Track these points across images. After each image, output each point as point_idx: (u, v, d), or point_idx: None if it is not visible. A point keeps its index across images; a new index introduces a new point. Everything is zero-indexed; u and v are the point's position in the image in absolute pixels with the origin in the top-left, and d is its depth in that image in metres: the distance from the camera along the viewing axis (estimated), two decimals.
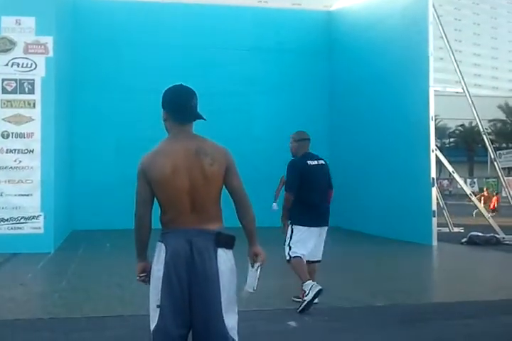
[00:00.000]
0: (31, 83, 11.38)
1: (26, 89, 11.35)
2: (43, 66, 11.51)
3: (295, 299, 6.62)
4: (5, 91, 11.25)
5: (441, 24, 13.71)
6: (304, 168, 6.91)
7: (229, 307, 3.35)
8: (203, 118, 3.57)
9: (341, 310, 6.55)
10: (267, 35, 17.39)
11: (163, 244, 3.30)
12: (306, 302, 6.23)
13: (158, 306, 3.24)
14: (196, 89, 13.95)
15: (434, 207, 12.70)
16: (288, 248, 6.61)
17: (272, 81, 17.33)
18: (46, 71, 11.50)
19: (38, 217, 11.10)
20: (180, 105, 3.52)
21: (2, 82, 11.27)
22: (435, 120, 13.21)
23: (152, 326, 3.24)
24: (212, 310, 3.26)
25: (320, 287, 6.28)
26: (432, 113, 12.79)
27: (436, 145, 13.88)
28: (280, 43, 17.42)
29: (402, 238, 12.85)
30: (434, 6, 13.15)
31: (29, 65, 11.43)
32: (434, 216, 12.63)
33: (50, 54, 11.60)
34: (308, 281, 6.35)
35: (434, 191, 12.78)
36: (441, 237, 13.09)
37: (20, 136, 11.19)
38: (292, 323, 5.89)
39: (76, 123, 15.60)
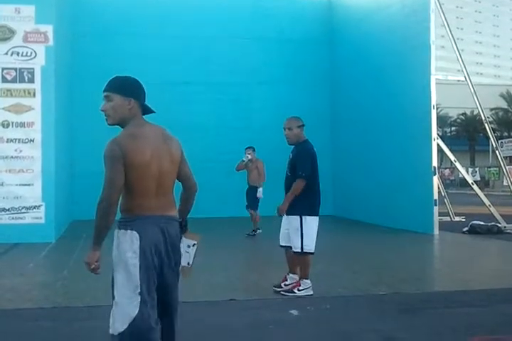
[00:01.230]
0: (31, 72, 11.34)
1: (26, 78, 11.31)
2: (42, 55, 11.46)
3: (276, 289, 6.71)
4: (5, 80, 11.22)
5: (443, 12, 13.63)
6: (315, 154, 7.00)
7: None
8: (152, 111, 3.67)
9: (343, 298, 6.55)
10: (268, 24, 17.33)
11: (134, 231, 3.26)
12: (292, 295, 6.51)
13: (139, 293, 3.24)
14: (197, 80, 14.16)
15: (436, 196, 12.69)
16: (300, 240, 6.53)
17: (273, 71, 17.29)
18: (46, 60, 11.46)
19: (39, 206, 11.10)
20: (145, 95, 3.66)
21: (2, 71, 11.23)
22: (436, 109, 13.16)
23: (132, 313, 3.24)
24: (174, 292, 3.53)
25: (312, 292, 6.53)
26: (433, 101, 12.74)
27: (438, 134, 13.83)
28: (281, 33, 17.37)
29: (403, 227, 12.86)
30: None
31: (29, 54, 11.38)
32: (436, 205, 12.62)
33: (50, 43, 11.55)
34: (308, 280, 6.53)
35: (436, 180, 12.76)
36: (443, 226, 13.10)
37: (21, 125, 11.17)
38: (294, 312, 5.90)
39: (75, 114, 15.57)
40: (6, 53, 11.30)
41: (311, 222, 6.53)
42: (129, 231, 3.28)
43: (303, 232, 6.49)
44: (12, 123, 11.12)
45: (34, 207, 11.07)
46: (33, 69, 11.35)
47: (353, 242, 11.60)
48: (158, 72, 16.36)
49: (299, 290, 6.54)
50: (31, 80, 11.33)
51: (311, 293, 6.56)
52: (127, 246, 3.30)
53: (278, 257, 7.23)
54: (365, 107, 15.34)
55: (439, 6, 13.30)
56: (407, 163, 13.34)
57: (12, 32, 11.45)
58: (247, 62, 17.10)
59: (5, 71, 11.26)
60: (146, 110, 3.57)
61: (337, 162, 17.03)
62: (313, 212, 6.58)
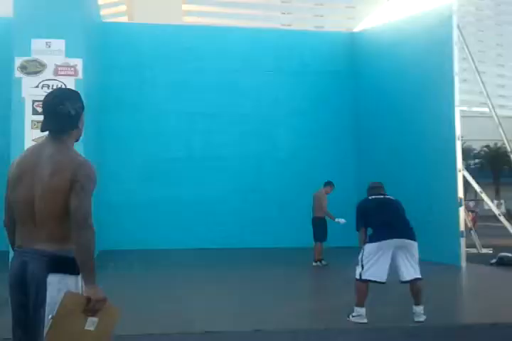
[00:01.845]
0: None
1: None
2: (72, 88, 11.64)
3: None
4: (35, 112, 11.41)
5: (466, 45, 13.72)
6: (362, 207, 7.57)
7: None
8: (62, 131, 3.10)
9: (372, 330, 6.50)
10: (291, 57, 17.52)
11: (10, 264, 3.07)
12: (348, 319, 6.80)
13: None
14: (220, 112, 14.17)
15: (462, 228, 12.58)
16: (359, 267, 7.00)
17: (297, 103, 17.41)
18: None
19: None
20: (43, 112, 3.12)
21: (32, 104, 11.43)
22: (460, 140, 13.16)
23: None
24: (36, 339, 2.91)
25: (365, 321, 6.75)
26: (458, 133, 12.74)
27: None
28: (304, 65, 17.53)
29: (430, 258, 12.63)
30: (459, 27, 13.17)
31: (59, 87, 11.61)
32: (463, 236, 12.52)
33: (80, 76, 11.79)
34: (359, 308, 6.81)
35: (462, 211, 12.67)
36: (470, 258, 12.95)
37: None
38: None
39: (103, 145, 15.79)
40: (37, 86, 11.53)
41: (368, 249, 6.79)
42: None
43: (362, 259, 6.80)
44: None
45: None
46: None
47: None
48: (183, 103, 16.60)
49: (352, 316, 6.77)
50: None
51: (365, 321, 6.69)
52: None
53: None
54: (390, 139, 15.35)
55: (462, 39, 13.40)
56: (433, 194, 13.28)
57: (43, 65, 11.70)
58: (271, 95, 17.28)
59: (35, 103, 11.46)
60: (45, 125, 3.09)
61: (362, 193, 16.92)
62: (370, 239, 6.91)
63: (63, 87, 11.61)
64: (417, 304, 6.86)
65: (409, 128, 14.37)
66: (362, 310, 6.74)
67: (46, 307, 2.85)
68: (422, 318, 6.77)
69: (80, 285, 2.98)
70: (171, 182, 16.25)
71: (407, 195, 14.48)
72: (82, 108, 3.20)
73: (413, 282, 6.85)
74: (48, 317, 2.82)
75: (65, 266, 2.94)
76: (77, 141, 3.22)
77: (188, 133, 16.76)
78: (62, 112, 3.05)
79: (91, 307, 2.88)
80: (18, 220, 3.04)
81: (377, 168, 15.95)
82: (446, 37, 13.08)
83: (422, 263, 12.20)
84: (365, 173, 16.46)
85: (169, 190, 16.17)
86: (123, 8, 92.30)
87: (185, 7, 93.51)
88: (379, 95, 16.09)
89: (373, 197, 7.39)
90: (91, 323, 2.88)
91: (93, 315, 2.89)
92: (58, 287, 2.88)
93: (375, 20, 17.36)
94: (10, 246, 3.18)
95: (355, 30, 18.96)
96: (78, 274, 2.96)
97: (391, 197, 7.42)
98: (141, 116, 16.40)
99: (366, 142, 16.95)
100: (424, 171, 13.67)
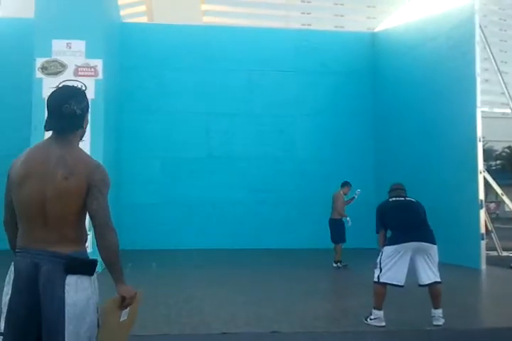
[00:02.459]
0: None
1: None
2: (92, 88, 11.75)
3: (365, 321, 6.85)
4: None
5: (488, 45, 13.59)
6: (381, 209, 7.51)
7: None
8: (68, 130, 3.04)
9: (389, 333, 6.45)
10: (311, 57, 17.48)
11: (12, 265, 2.96)
12: (366, 322, 6.76)
13: (0, 334, 2.90)
14: (239, 112, 14.24)
15: (483, 230, 12.46)
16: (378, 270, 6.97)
17: (316, 103, 17.37)
18: (96, 93, 11.75)
19: (86, 235, 11.24)
20: (48, 111, 3.04)
21: None
22: (482, 141, 13.03)
23: None
24: None
25: (383, 324, 6.70)
26: (479, 134, 12.61)
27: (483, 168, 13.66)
28: (324, 66, 17.49)
29: (449, 261, 12.55)
30: (481, 27, 13.04)
31: (79, 87, 11.68)
32: (483, 239, 12.39)
33: (100, 76, 11.86)
34: (377, 310, 6.77)
35: (483, 213, 12.54)
36: (490, 261, 12.81)
37: None
38: None
39: (122, 145, 15.88)
40: (58, 87, 11.60)
41: (386, 251, 6.76)
42: (12, 263, 2.98)
43: (380, 262, 6.77)
44: None
45: None
46: None
47: None
48: (202, 103, 16.65)
49: (370, 319, 6.73)
50: None
51: (383, 324, 6.65)
52: (6, 281, 2.96)
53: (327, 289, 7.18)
54: (410, 139, 15.26)
55: (484, 39, 13.26)
56: (453, 195, 13.16)
57: (63, 66, 11.79)
58: (290, 94, 17.26)
59: (89, 103, 11.53)
60: (52, 125, 3.03)
61: (381, 194, 16.84)
62: (389, 242, 6.87)
63: (83, 87, 11.72)
64: (436, 307, 6.80)
65: (430, 129, 14.26)
66: (380, 313, 6.70)
67: (66, 308, 2.85)
68: (441, 322, 6.71)
69: (95, 285, 3.01)
70: (189, 182, 16.29)
71: (426, 196, 14.36)
72: (88, 107, 3.15)
73: (432, 285, 6.79)
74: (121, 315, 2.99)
75: (81, 267, 2.96)
76: (80, 139, 3.16)
77: (207, 133, 16.80)
78: (67, 111, 2.99)
79: (126, 304, 2.99)
80: (24, 221, 2.98)
81: (397, 169, 15.86)
82: (467, 37, 12.96)
83: (442, 265, 12.12)
84: (384, 174, 16.38)
85: (187, 190, 16.21)
86: (142, 8, 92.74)
87: (204, 7, 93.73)
88: (399, 95, 16.00)
89: (393, 199, 7.32)
90: (124, 314, 3.04)
91: (126, 308, 3.03)
92: (75, 288, 2.89)
93: (396, 20, 17.25)
94: (9, 243, 3.12)
95: (376, 30, 18.86)
96: (92, 275, 3.00)
97: (412, 200, 7.34)
98: (160, 116, 16.46)
99: (385, 143, 16.86)
100: (445, 173, 13.55)
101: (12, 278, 2.93)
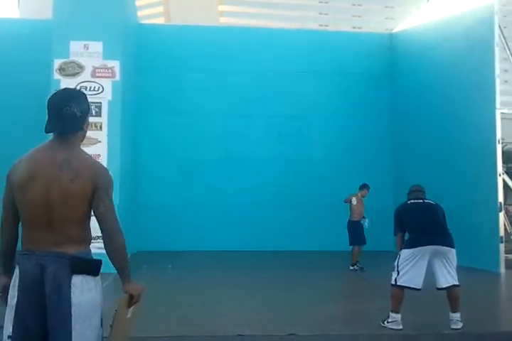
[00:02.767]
0: (98, 106, 11.68)
1: (93, 112, 11.63)
2: (109, 89, 11.81)
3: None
4: None
5: (507, 46, 13.45)
6: (399, 211, 7.41)
7: None
8: (69, 132, 3.06)
9: (406, 336, 6.39)
10: (328, 58, 17.39)
11: (17, 267, 2.97)
12: (383, 325, 6.66)
13: (9, 337, 2.91)
14: (256, 113, 14.10)
15: (502, 233, 12.32)
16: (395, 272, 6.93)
17: (333, 104, 17.28)
18: (113, 94, 11.81)
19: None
20: (48, 113, 3.07)
21: None
22: (501, 143, 12.90)
23: None
24: None
25: (401, 327, 6.61)
26: (498, 136, 12.47)
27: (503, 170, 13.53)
28: (341, 67, 17.39)
29: (468, 264, 12.41)
30: (500, 27, 12.91)
31: (96, 89, 11.74)
32: (502, 242, 12.24)
33: (117, 78, 11.91)
34: (395, 314, 6.68)
35: (502, 216, 12.41)
36: (509, 264, 12.66)
37: None
38: None
39: (139, 146, 15.92)
40: (75, 88, 11.66)
41: (403, 254, 6.69)
42: (16, 266, 3.00)
43: (398, 265, 6.71)
44: None
45: (98, 237, 11.23)
46: (100, 103, 11.70)
47: None
48: (218, 104, 16.64)
49: (387, 322, 6.66)
50: (98, 114, 11.66)
51: (400, 327, 6.57)
52: (11, 284, 2.99)
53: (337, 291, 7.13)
54: (428, 141, 15.14)
55: (503, 40, 13.13)
56: (472, 198, 13.04)
57: (81, 67, 11.85)
58: (307, 96, 17.18)
59: (90, 105, 11.58)
60: (53, 127, 3.05)
61: (399, 197, 16.75)
62: (406, 245, 6.81)
63: (101, 88, 11.77)
64: (454, 311, 6.72)
65: (448, 131, 14.14)
66: (397, 316, 6.64)
67: (72, 308, 2.89)
68: (459, 325, 6.64)
69: (100, 286, 3.07)
70: (205, 183, 16.29)
71: (445, 199, 14.24)
72: (88, 109, 3.19)
73: (450, 289, 6.72)
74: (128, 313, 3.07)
75: (86, 267, 2.99)
76: (82, 141, 3.22)
77: (223, 134, 16.79)
78: (67, 114, 3.01)
79: (134, 301, 3.10)
80: (28, 223, 2.99)
81: (415, 171, 15.75)
82: (487, 37, 12.83)
83: (460, 269, 12.00)
84: (403, 177, 16.28)
85: (204, 191, 16.21)
86: (160, 9, 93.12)
87: (221, 8, 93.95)
88: (417, 97, 15.88)
89: (412, 201, 7.25)
90: (130, 311, 3.15)
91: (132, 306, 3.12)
92: (81, 288, 2.93)
93: (414, 21, 17.14)
94: (1, 246, 3.11)
95: (394, 30, 18.75)
96: (97, 275, 3.04)
97: (431, 202, 7.26)
98: (176, 117, 16.48)
99: (403, 145, 16.75)
100: (463, 175, 13.43)
101: (17, 281, 2.94)
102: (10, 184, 3.02)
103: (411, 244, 6.73)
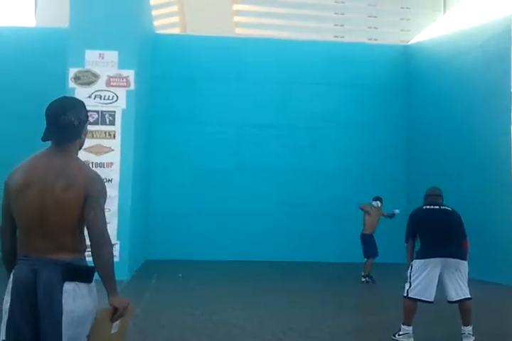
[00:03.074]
0: (112, 115, 11.73)
1: (107, 121, 11.70)
2: (123, 98, 11.86)
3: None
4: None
5: None
6: (414, 218, 7.18)
7: None
8: (66, 141, 3.07)
9: None
10: (344, 69, 17.36)
11: (12, 272, 3.02)
12: (394, 339, 6.57)
13: None
14: (273, 123, 14.18)
15: None
16: (408, 284, 6.81)
17: (349, 116, 17.23)
18: (127, 103, 11.86)
19: (114, 245, 11.29)
20: (46, 121, 3.07)
21: None
22: None
23: None
24: None
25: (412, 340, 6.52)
26: None
27: None
28: (357, 78, 17.36)
29: (486, 278, 12.16)
30: None
31: (111, 97, 11.80)
32: None
33: (132, 87, 11.96)
34: (406, 326, 6.59)
35: None
36: None
37: (100, 165, 11.49)
38: None
39: (152, 155, 15.96)
40: (90, 96, 11.73)
41: (415, 265, 6.62)
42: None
43: (410, 276, 6.64)
44: (92, 163, 11.41)
45: None
46: (114, 112, 11.75)
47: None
48: (233, 114, 16.65)
49: (399, 334, 6.56)
50: (112, 122, 11.71)
51: (412, 340, 6.49)
52: (6, 289, 3.02)
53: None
54: (443, 152, 15.05)
55: None
56: (488, 210, 12.92)
57: (96, 76, 11.91)
58: (323, 107, 17.15)
59: (88, 113, 11.62)
60: (49, 135, 3.06)
61: (413, 207, 16.68)
62: (418, 255, 6.71)
63: (115, 97, 11.82)
64: (466, 324, 6.62)
65: (465, 143, 14.05)
66: (409, 329, 6.55)
67: (64, 315, 2.90)
68: (471, 339, 6.54)
69: (94, 292, 3.05)
70: (218, 193, 16.28)
71: (461, 210, 14.16)
72: (86, 118, 3.21)
73: (462, 302, 6.63)
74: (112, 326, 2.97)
75: (79, 274, 3.00)
76: (79, 149, 3.22)
77: (238, 144, 16.78)
78: (65, 122, 3.04)
79: (118, 315, 2.99)
80: (23, 230, 3.03)
81: (430, 184, 15.60)
82: (503, 50, 12.76)
83: (479, 282, 11.83)
84: (417, 189, 16.11)
85: (216, 200, 16.19)
86: (176, 19, 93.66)
87: (236, 19, 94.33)
88: (433, 109, 15.81)
89: (428, 207, 7.04)
90: (115, 326, 3.02)
91: (117, 319, 3.01)
92: (73, 295, 2.94)
93: (430, 33, 17.10)
94: (3, 254, 3.15)
95: (410, 42, 18.71)
96: (90, 282, 3.04)
97: (448, 208, 7.06)
98: (190, 126, 16.51)
99: (418, 156, 16.66)
100: (479, 186, 13.33)
101: (11, 285, 2.98)
102: (7, 191, 3.06)
103: (423, 255, 6.64)
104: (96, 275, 3.07)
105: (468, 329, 6.58)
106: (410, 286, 6.60)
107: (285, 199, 16.44)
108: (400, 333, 6.56)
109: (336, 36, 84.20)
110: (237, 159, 16.68)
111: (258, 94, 16.89)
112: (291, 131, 16.87)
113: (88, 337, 2.95)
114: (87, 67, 11.88)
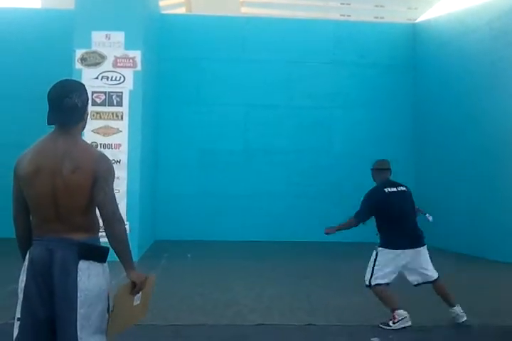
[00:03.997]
0: (119, 96, 11.73)
1: (115, 102, 11.71)
2: (130, 79, 11.85)
3: (382, 326, 6.43)
4: (94, 103, 11.60)
5: None
6: (373, 199, 6.87)
7: (89, 327, 3.01)
8: (71, 123, 3.11)
9: (427, 328, 6.37)
10: (350, 48, 17.24)
11: (28, 253, 3.10)
12: (388, 328, 6.31)
13: (18, 319, 3.04)
14: (276, 104, 14.14)
15: None
16: (370, 272, 6.65)
17: (354, 95, 17.13)
18: (134, 84, 11.85)
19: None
20: (49, 104, 3.10)
21: (92, 95, 11.57)
22: None
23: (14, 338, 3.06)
24: (66, 328, 2.97)
25: (410, 323, 6.29)
26: None
27: None
28: (363, 57, 17.22)
29: (490, 256, 12.34)
30: None
31: (118, 78, 11.79)
32: None
33: (138, 68, 11.95)
34: (400, 310, 6.33)
35: None
36: None
37: (108, 146, 11.52)
38: (375, 340, 5.78)
39: (160, 136, 15.98)
40: (97, 78, 11.73)
41: (384, 255, 6.54)
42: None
43: (374, 264, 6.56)
44: (100, 144, 11.45)
45: None
46: (121, 93, 11.75)
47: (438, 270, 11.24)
48: (240, 95, 16.59)
49: (393, 323, 6.33)
50: (119, 104, 11.72)
51: (409, 324, 6.32)
52: (22, 268, 3.11)
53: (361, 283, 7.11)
54: (452, 135, 14.95)
55: None
56: (494, 189, 12.92)
57: (102, 57, 11.90)
58: (327, 86, 17.06)
59: (95, 95, 11.66)
60: (54, 118, 3.09)
61: (420, 187, 16.65)
62: (386, 244, 6.59)
63: (122, 78, 11.82)
64: (452, 305, 6.55)
65: (473, 123, 13.96)
66: (403, 313, 6.36)
67: (78, 293, 2.99)
68: (464, 318, 6.46)
69: (106, 273, 3.16)
70: (226, 174, 16.29)
71: (467, 189, 14.19)
72: (87, 99, 3.24)
73: (435, 284, 6.59)
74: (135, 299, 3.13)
75: (94, 253, 3.09)
76: (82, 130, 3.28)
77: (244, 125, 16.76)
78: (68, 105, 3.06)
79: (137, 289, 3.12)
80: (37, 214, 3.10)
81: (436, 164, 15.64)
82: (510, 28, 12.66)
83: (482, 260, 11.83)
84: (425, 170, 16.18)
85: (223, 181, 16.21)
86: None
87: None
88: (441, 89, 15.71)
89: (389, 190, 6.84)
90: (137, 299, 3.18)
91: (138, 293, 3.15)
92: (88, 273, 3.03)
93: (437, 11, 16.94)
94: (17, 238, 3.23)
95: (417, 21, 18.55)
96: (104, 262, 3.13)
97: (404, 189, 6.91)
98: (197, 107, 16.48)
99: (425, 135, 16.59)
100: (485, 165, 13.30)
101: (27, 265, 3.06)
102: (17, 177, 3.12)
103: (393, 245, 6.51)
104: (109, 256, 3.14)
105: (457, 309, 6.48)
106: (372, 276, 6.52)
107: (292, 179, 16.44)
108: (395, 320, 6.32)
109: (342, 15, 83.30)
110: (244, 140, 16.66)
111: (265, 74, 16.79)
112: (297, 111, 16.81)
113: (111, 312, 3.07)
114: (93, 48, 11.86)
